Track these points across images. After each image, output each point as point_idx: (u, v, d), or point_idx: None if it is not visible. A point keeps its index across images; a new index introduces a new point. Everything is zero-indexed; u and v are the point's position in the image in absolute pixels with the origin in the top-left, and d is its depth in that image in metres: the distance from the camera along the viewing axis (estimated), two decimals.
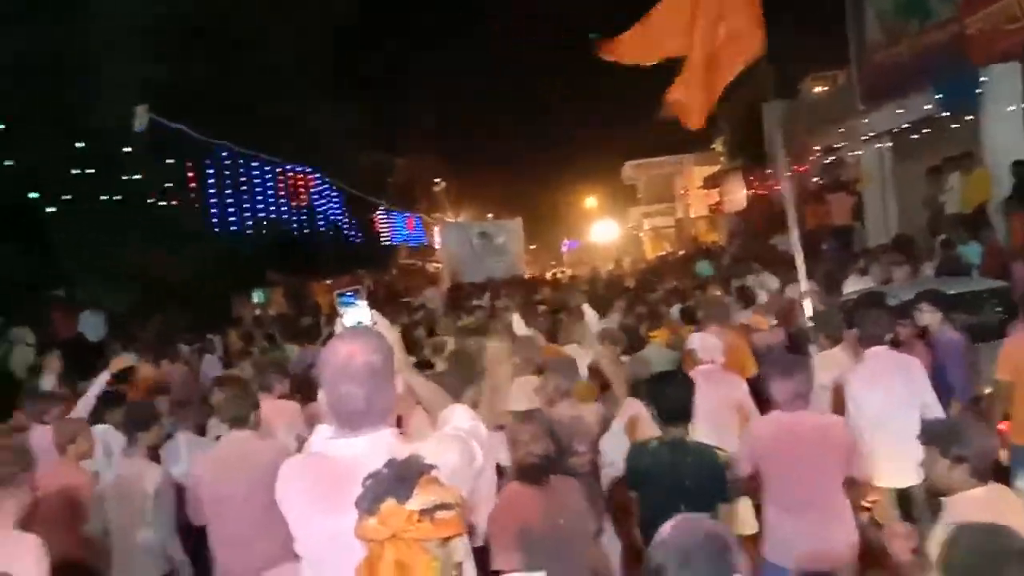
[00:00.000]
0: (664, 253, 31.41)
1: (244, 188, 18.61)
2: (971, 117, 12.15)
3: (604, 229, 47.67)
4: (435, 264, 31.80)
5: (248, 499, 4.06)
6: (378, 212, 27.40)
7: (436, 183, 37.59)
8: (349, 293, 2.42)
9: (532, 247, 46.73)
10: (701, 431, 4.38)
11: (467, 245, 24.29)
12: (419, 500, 1.80)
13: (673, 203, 38.52)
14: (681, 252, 27.14)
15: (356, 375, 2.10)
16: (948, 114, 12.60)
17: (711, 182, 29.73)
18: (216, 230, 17.79)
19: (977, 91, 11.71)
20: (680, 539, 1.88)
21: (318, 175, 22.59)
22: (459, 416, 2.34)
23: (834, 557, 3.87)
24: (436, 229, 30.73)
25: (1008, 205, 10.59)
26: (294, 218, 21.02)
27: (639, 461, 4.06)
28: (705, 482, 3.82)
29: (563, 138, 54.27)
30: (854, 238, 15.55)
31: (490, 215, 36.57)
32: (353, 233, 25.82)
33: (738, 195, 25.29)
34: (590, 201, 53.42)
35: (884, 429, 4.81)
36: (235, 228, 18.46)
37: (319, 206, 22.99)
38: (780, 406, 4.11)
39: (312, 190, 22.68)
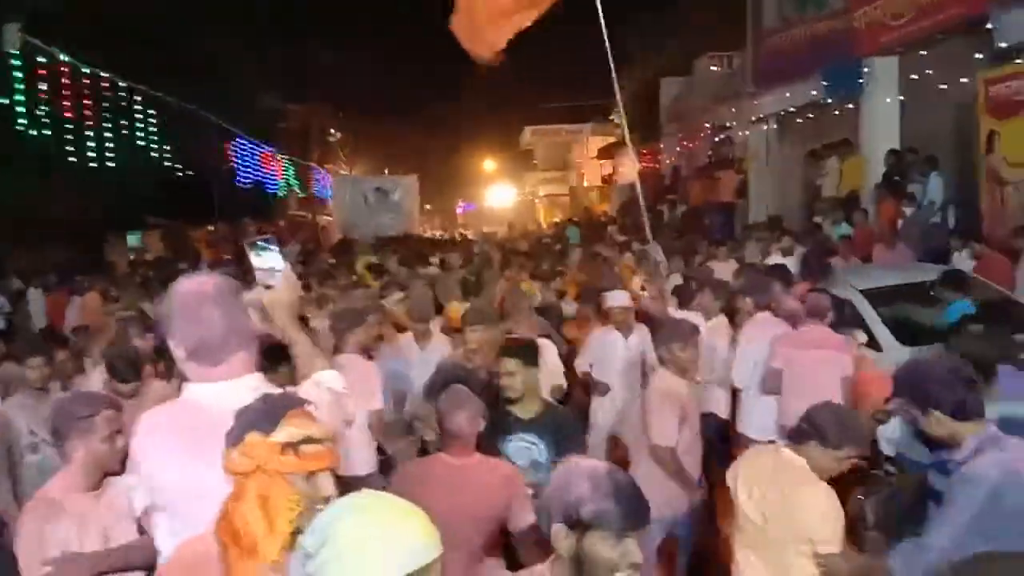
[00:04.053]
0: (557, 221, 31.76)
1: (125, 123, 17.51)
2: (852, 105, 12.77)
3: (500, 193, 47.76)
4: (326, 217, 31.08)
5: None
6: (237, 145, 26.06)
7: (331, 133, 36.51)
8: (261, 240, 2.38)
9: (427, 207, 46.37)
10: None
11: (361, 200, 23.83)
12: (284, 433, 1.76)
13: (569, 171, 38.92)
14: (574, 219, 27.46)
15: (210, 298, 2.05)
16: (831, 101, 13.19)
17: (606, 153, 30.14)
18: (93, 165, 16.66)
19: (859, 81, 12.30)
20: None
21: (206, 115, 21.48)
22: (333, 378, 2.29)
23: None
24: (328, 181, 29.99)
25: (879, 191, 11.21)
26: (176, 159, 19.90)
27: None
28: None
29: (464, 98, 53.72)
30: (736, 214, 16.18)
31: (385, 171, 35.95)
32: (243, 178, 24.72)
33: (631, 167, 25.76)
34: (488, 164, 53.28)
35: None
36: (113, 165, 17.37)
37: (205, 148, 21.90)
38: None
39: (200, 131, 21.60)
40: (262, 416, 1.79)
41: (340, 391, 2.23)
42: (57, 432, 2.88)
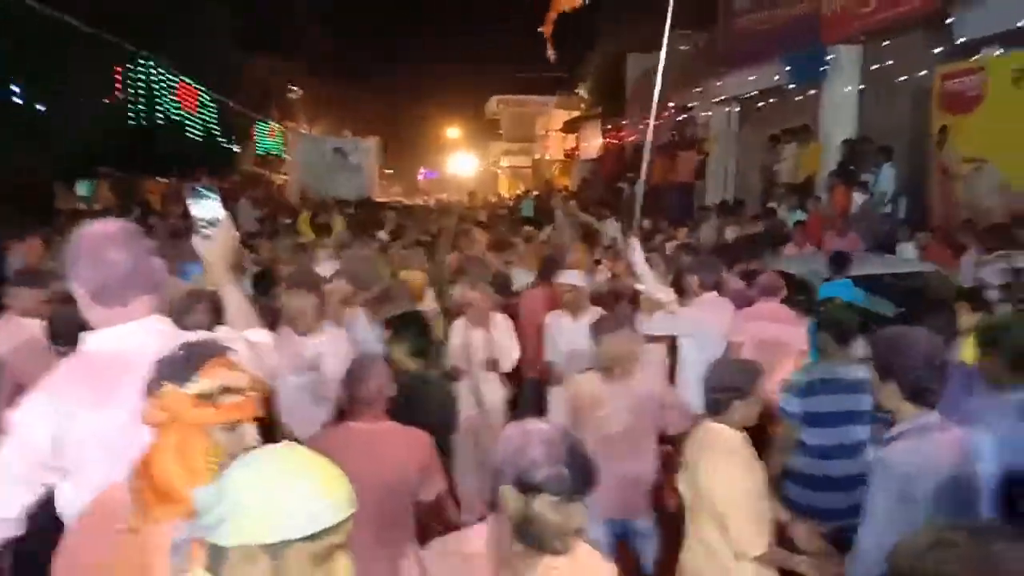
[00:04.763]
0: (519, 193, 31.63)
1: (76, 69, 16.79)
2: (814, 92, 12.85)
3: (463, 162, 47.49)
4: (282, 176, 30.54)
5: None
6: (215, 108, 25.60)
7: (291, 90, 35.72)
8: (203, 186, 2.34)
9: (388, 172, 45.90)
10: None
11: (319, 159, 23.46)
12: (199, 384, 1.73)
13: (533, 143, 38.77)
14: (535, 192, 27.41)
15: (116, 239, 2.06)
16: (793, 86, 13.26)
17: (570, 127, 30.05)
18: (40, 111, 16.01)
19: (822, 68, 12.37)
20: None
21: (159, 64, 20.78)
22: (261, 336, 2.31)
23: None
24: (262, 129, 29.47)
25: (832, 179, 11.35)
26: (130, 108, 19.24)
27: None
28: None
29: (431, 62, 53.08)
30: (695, 195, 16.27)
31: (347, 132, 35.37)
32: (198, 134, 24.03)
33: (594, 142, 25.75)
34: (452, 131, 52.89)
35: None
36: (61, 112, 16.69)
37: (159, 98, 21.21)
38: None
39: (153, 79, 20.92)
40: (179, 366, 1.74)
41: (260, 343, 2.21)
42: None
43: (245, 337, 2.20)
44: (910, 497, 2.48)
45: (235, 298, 2.36)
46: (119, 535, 1.71)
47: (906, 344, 2.66)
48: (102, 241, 2.05)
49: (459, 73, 47.29)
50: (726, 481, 2.94)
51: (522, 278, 7.76)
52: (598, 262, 8.52)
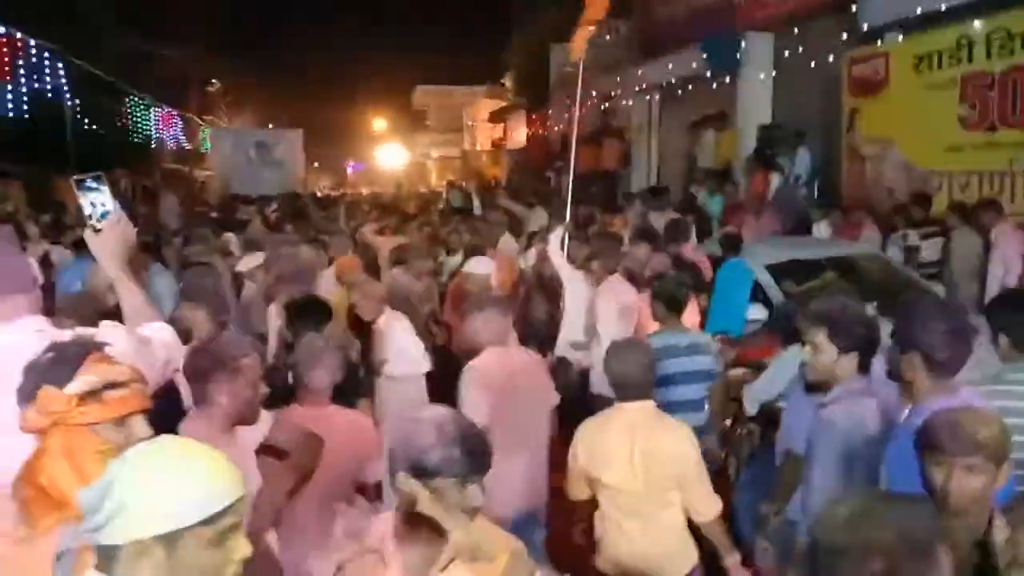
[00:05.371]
0: (447, 183, 31.47)
1: None
2: (730, 79, 13.15)
3: (392, 153, 47.08)
4: (206, 172, 29.80)
5: None
6: (132, 104, 24.77)
7: (211, 83, 34.79)
8: (90, 178, 2.21)
9: (315, 165, 45.20)
10: None
11: (243, 155, 22.95)
12: (79, 383, 1.67)
13: (461, 133, 38.70)
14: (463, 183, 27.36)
15: None
16: (710, 74, 13.55)
17: (497, 117, 30.09)
18: None
19: (737, 55, 12.67)
20: None
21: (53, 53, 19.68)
22: (161, 330, 2.22)
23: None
24: (208, 133, 28.68)
25: (749, 163, 11.65)
26: (33, 101, 18.22)
27: None
28: None
29: (356, 54, 52.39)
30: (620, 182, 16.50)
31: (271, 126, 34.69)
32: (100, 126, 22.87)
33: (521, 132, 25.84)
34: (379, 123, 52.38)
35: None
36: None
37: (64, 89, 20.16)
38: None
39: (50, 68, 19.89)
40: (53, 366, 1.69)
41: (155, 336, 2.15)
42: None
43: (133, 331, 2.12)
44: (848, 457, 2.65)
45: (129, 292, 2.26)
46: (6, 547, 1.65)
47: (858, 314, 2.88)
48: None
49: (382, 63, 46.82)
50: (687, 451, 3.07)
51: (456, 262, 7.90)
52: (529, 247, 8.63)
